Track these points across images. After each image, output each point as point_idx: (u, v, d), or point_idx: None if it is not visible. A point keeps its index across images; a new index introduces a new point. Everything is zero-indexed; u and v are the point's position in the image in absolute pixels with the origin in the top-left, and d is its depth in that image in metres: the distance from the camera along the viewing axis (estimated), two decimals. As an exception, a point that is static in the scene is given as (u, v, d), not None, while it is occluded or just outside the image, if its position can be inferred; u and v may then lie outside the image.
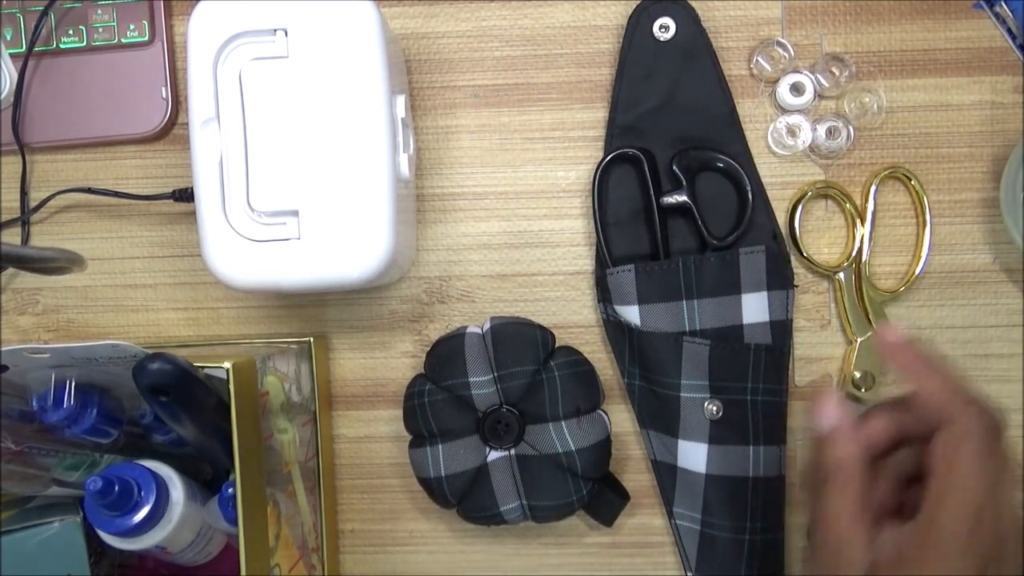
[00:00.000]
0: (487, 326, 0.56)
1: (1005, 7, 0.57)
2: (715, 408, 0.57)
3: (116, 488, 0.49)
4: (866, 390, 0.58)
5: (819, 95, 0.58)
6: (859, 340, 0.58)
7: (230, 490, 0.50)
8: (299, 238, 0.49)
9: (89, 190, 0.60)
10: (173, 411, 0.48)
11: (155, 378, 0.46)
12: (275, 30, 0.49)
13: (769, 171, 0.59)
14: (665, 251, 0.58)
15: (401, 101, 0.52)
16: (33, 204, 0.61)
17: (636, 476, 0.61)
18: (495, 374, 0.55)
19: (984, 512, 0.40)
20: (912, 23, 0.58)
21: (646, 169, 0.58)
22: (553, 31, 0.59)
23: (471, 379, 0.55)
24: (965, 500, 0.40)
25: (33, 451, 0.53)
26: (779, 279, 0.58)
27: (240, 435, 0.47)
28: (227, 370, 0.47)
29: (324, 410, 0.60)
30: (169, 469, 0.53)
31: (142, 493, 0.51)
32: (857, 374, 0.58)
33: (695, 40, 0.58)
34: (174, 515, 0.52)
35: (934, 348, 0.58)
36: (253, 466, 0.49)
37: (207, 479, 0.55)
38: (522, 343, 0.56)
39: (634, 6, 0.58)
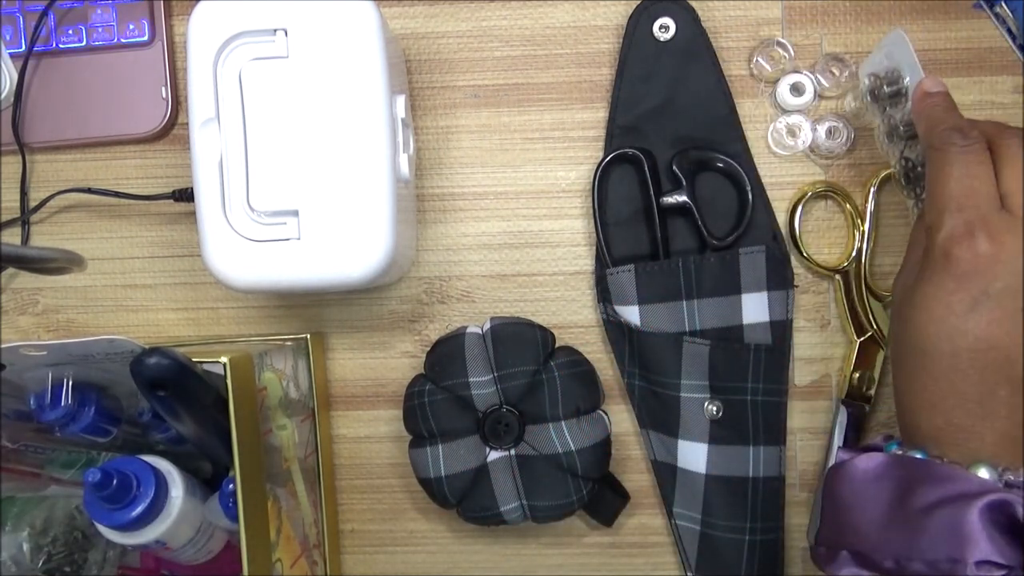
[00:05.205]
0: (487, 326, 0.56)
1: (1005, 7, 0.57)
2: (715, 408, 0.57)
3: (114, 481, 0.49)
4: (866, 390, 0.58)
5: (819, 95, 0.58)
6: (859, 340, 0.58)
7: (230, 486, 0.50)
8: (299, 238, 0.49)
9: (89, 190, 0.60)
10: (171, 406, 0.48)
11: (153, 373, 0.46)
12: (275, 30, 0.49)
13: (769, 171, 0.59)
14: (665, 251, 0.58)
15: (401, 101, 0.52)
16: (33, 204, 0.61)
17: (636, 476, 0.61)
18: (495, 374, 0.55)
19: None
20: (912, 23, 0.58)
21: (646, 169, 0.58)
22: (553, 31, 0.59)
23: (471, 379, 0.55)
24: None
25: (29, 449, 0.53)
26: (779, 279, 0.57)
27: (239, 429, 0.47)
28: (224, 364, 0.47)
29: (323, 408, 0.60)
30: (168, 464, 0.53)
31: (141, 487, 0.51)
32: (857, 374, 0.58)
33: (695, 40, 0.57)
34: (173, 509, 0.52)
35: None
36: (252, 461, 0.49)
37: (207, 478, 0.55)
38: (522, 343, 0.56)
39: (634, 6, 0.58)
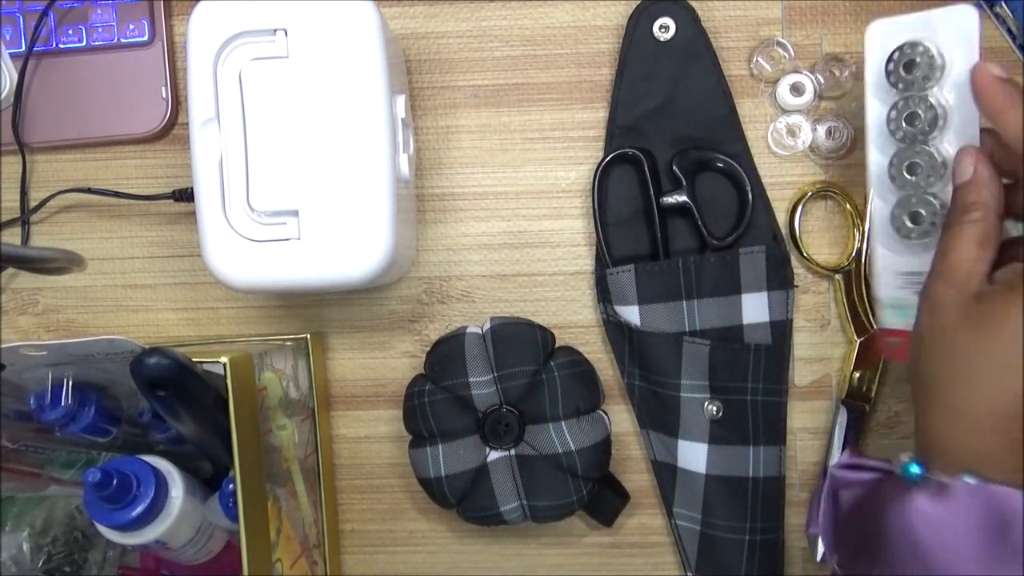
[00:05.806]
0: (487, 326, 0.56)
1: (1005, 7, 0.57)
2: (715, 408, 0.57)
3: (115, 481, 0.49)
4: (866, 390, 0.58)
5: (819, 95, 0.58)
6: (859, 340, 0.58)
7: (230, 486, 0.50)
8: (299, 238, 0.49)
9: (89, 190, 0.60)
10: (171, 406, 0.48)
11: (153, 372, 0.46)
12: (275, 30, 0.49)
13: (769, 171, 0.59)
14: (665, 251, 0.58)
15: (401, 101, 0.52)
16: (33, 204, 0.61)
17: (636, 476, 0.61)
18: (495, 374, 0.55)
19: None
20: (912, 23, 0.58)
21: (646, 169, 0.58)
22: (553, 31, 0.60)
23: (471, 379, 0.55)
24: None
25: (29, 449, 0.53)
26: (779, 279, 0.58)
27: (239, 429, 0.47)
28: (224, 364, 0.47)
29: (322, 407, 0.60)
30: (168, 464, 0.53)
31: (141, 487, 0.51)
32: (857, 374, 0.58)
33: (695, 40, 0.57)
34: (173, 509, 0.52)
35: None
36: (252, 460, 0.49)
37: (207, 478, 0.55)
38: (522, 343, 0.56)
39: (634, 6, 0.58)
